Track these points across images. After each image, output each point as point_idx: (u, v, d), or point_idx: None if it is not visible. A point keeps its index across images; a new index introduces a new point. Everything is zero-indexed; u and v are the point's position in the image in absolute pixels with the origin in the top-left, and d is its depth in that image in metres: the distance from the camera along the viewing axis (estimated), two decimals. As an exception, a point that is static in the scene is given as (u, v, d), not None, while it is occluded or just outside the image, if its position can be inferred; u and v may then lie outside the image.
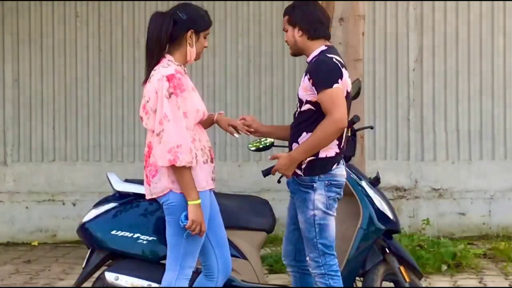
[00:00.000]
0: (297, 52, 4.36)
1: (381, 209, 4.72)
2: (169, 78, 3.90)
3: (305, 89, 4.22)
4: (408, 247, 6.57)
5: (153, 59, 3.99)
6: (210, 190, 4.09)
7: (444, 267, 6.60)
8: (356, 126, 4.72)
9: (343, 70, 4.23)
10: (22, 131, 8.34)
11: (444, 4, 8.11)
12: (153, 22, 3.98)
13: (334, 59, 4.22)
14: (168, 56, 4.01)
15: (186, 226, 3.94)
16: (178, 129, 3.88)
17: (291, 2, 4.45)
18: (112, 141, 8.29)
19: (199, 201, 3.93)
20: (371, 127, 5.20)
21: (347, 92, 4.24)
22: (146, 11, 8.27)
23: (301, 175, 4.23)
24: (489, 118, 8.07)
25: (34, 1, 8.33)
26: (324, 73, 4.16)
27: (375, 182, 4.84)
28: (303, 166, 4.22)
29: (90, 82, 8.32)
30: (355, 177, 4.73)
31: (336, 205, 4.29)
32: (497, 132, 8.07)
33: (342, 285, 4.30)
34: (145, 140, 4.14)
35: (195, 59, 4.10)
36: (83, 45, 8.32)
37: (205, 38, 4.08)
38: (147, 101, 3.98)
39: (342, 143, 4.30)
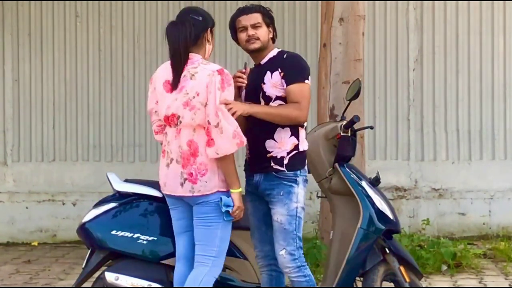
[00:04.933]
0: (262, 48, 4.42)
1: (381, 209, 4.72)
2: (220, 72, 4.10)
3: (274, 86, 4.34)
4: (408, 247, 6.58)
5: (180, 63, 4.15)
6: None
7: (444, 267, 6.60)
8: (356, 126, 4.73)
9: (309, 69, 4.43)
10: (22, 131, 8.35)
11: (444, 4, 8.11)
12: (173, 31, 4.17)
13: (303, 58, 4.44)
14: (195, 56, 4.18)
15: (231, 213, 4.12)
16: (231, 117, 4.10)
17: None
18: (112, 141, 8.29)
19: (241, 189, 4.17)
20: (371, 127, 5.20)
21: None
22: (146, 11, 8.29)
23: (284, 170, 4.33)
24: (489, 118, 8.07)
25: (34, 1, 8.33)
26: (298, 68, 4.33)
27: (375, 182, 4.84)
28: (285, 162, 4.32)
29: (90, 82, 8.32)
30: (355, 177, 4.73)
31: None
32: (497, 132, 8.07)
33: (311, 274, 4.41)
34: (163, 140, 4.24)
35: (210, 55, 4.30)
36: (83, 45, 8.32)
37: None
38: (194, 97, 4.08)
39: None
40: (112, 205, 4.65)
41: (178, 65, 4.15)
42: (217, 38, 8.13)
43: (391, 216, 4.76)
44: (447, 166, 8.07)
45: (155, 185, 4.69)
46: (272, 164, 4.34)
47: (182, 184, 4.14)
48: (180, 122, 4.13)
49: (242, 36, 4.41)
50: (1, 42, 8.33)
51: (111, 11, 8.31)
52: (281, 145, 4.34)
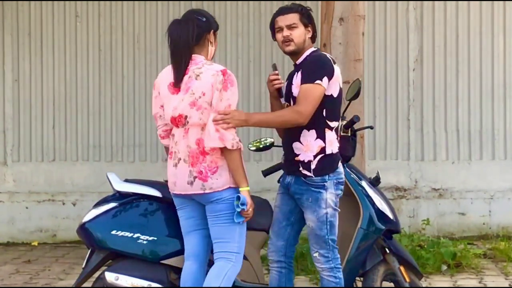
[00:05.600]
0: (297, 50, 4.39)
1: (381, 209, 4.73)
2: (223, 73, 4.12)
3: (298, 86, 4.30)
4: (408, 247, 6.59)
5: (182, 62, 4.17)
6: None
7: (444, 267, 6.60)
8: (356, 126, 4.73)
9: (335, 66, 4.32)
10: (22, 131, 8.35)
11: (444, 4, 8.11)
12: (176, 29, 4.20)
13: (327, 55, 4.36)
14: (198, 56, 4.20)
15: (244, 212, 4.13)
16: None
17: (290, 2, 4.47)
18: (112, 141, 8.29)
19: (249, 187, 4.18)
20: (371, 127, 5.20)
21: (339, 87, 4.35)
22: (146, 11, 8.29)
23: (312, 176, 4.30)
24: (489, 118, 8.08)
25: (34, 1, 8.33)
26: (312, 69, 4.27)
27: (375, 182, 4.85)
28: (312, 167, 4.29)
29: (90, 82, 8.32)
30: (355, 177, 4.74)
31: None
32: (497, 132, 8.07)
33: (342, 278, 4.42)
34: (175, 139, 4.23)
35: (212, 57, 4.32)
36: (83, 45, 8.32)
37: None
38: (200, 97, 4.11)
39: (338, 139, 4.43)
40: (112, 205, 4.65)
41: (179, 63, 4.16)
42: (217, 38, 8.19)
43: (391, 216, 4.77)
44: (447, 166, 8.07)
45: (155, 185, 4.71)
46: (301, 168, 4.32)
47: (191, 183, 4.15)
48: (188, 122, 4.15)
49: (279, 36, 4.40)
50: (1, 42, 8.33)
51: (111, 11, 8.31)
52: (307, 148, 4.31)
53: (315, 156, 4.29)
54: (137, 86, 8.27)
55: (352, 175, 4.72)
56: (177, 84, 4.16)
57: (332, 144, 4.33)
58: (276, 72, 4.37)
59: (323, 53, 4.39)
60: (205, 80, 4.11)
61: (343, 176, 4.40)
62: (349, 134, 4.69)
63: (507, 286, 6.20)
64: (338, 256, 4.41)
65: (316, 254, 4.39)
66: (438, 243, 6.82)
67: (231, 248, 4.20)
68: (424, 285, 5.51)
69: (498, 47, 8.09)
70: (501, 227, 7.91)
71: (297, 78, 4.31)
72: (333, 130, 4.35)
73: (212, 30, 4.27)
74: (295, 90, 4.32)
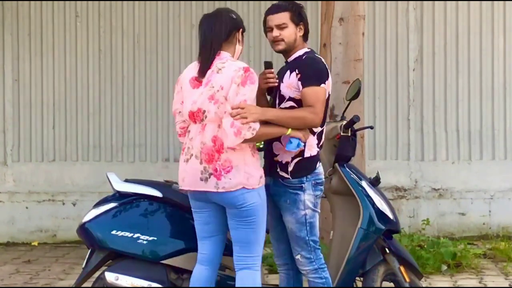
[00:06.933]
0: (287, 49, 4.37)
1: (381, 209, 4.72)
2: (246, 70, 4.08)
3: (290, 86, 4.27)
4: (408, 247, 6.58)
5: (210, 54, 4.13)
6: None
7: (444, 267, 6.60)
8: (356, 126, 4.73)
9: (328, 72, 4.32)
10: (22, 131, 8.34)
11: (444, 4, 8.11)
12: (208, 23, 4.17)
13: (323, 61, 4.34)
14: (224, 53, 4.17)
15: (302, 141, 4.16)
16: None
17: (290, 2, 4.45)
18: (112, 141, 8.29)
19: (290, 130, 4.16)
20: (371, 127, 5.20)
21: (328, 94, 4.31)
22: (146, 11, 8.29)
23: (289, 178, 4.28)
24: (489, 118, 8.07)
25: (34, 1, 8.33)
26: (314, 71, 4.24)
27: (375, 182, 4.84)
28: (289, 169, 4.27)
29: (90, 82, 8.32)
30: (355, 177, 4.73)
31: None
32: (497, 132, 8.07)
33: (329, 275, 4.40)
34: (190, 136, 4.17)
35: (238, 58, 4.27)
36: (83, 45, 8.32)
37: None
38: (218, 91, 4.06)
39: (321, 143, 4.37)
40: (112, 205, 4.65)
41: (207, 56, 4.13)
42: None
43: (391, 216, 4.77)
44: (447, 166, 8.07)
45: (155, 185, 4.71)
46: (278, 169, 4.30)
47: (206, 180, 4.08)
48: (206, 117, 4.09)
49: (269, 36, 4.39)
50: (1, 42, 8.33)
51: (111, 11, 8.31)
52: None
53: (293, 159, 4.28)
54: (137, 86, 8.27)
55: (352, 175, 4.72)
56: (200, 77, 4.12)
57: (311, 149, 4.30)
58: (272, 70, 4.33)
59: (318, 57, 4.36)
60: (226, 74, 4.06)
61: (322, 176, 4.36)
62: (349, 134, 4.68)
63: (507, 286, 6.20)
64: (321, 256, 4.39)
65: (298, 257, 4.36)
66: (438, 243, 6.81)
67: (255, 251, 4.16)
68: (424, 285, 5.51)
69: (498, 47, 8.09)
70: (501, 227, 7.91)
71: (290, 78, 4.27)
72: (315, 135, 4.32)
73: (241, 29, 4.24)
74: (284, 89, 4.29)
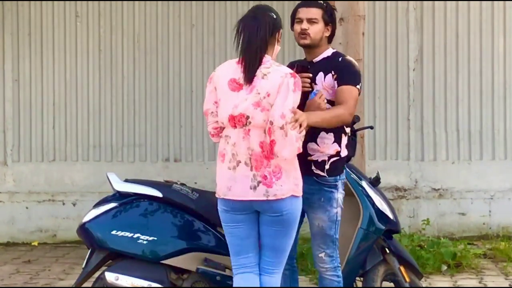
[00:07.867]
0: (311, 45, 4.36)
1: (381, 209, 4.73)
2: (293, 75, 3.99)
3: (327, 88, 4.31)
4: (408, 247, 6.58)
5: (256, 58, 3.99)
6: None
7: (444, 267, 6.60)
8: (356, 126, 4.73)
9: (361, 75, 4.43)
10: (22, 131, 8.34)
11: (444, 4, 8.11)
12: (251, 26, 4.05)
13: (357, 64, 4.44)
14: (267, 56, 4.05)
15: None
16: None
17: (291, 2, 4.47)
18: (112, 141, 8.29)
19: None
20: (371, 127, 5.21)
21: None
22: (146, 11, 8.28)
23: (325, 176, 4.33)
24: (489, 118, 8.07)
25: (34, 1, 8.33)
26: (353, 72, 4.31)
27: (375, 182, 4.85)
28: (326, 167, 4.32)
29: (90, 82, 8.31)
30: (355, 177, 4.74)
31: None
32: (497, 132, 8.07)
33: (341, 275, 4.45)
34: (235, 141, 4.01)
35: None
36: (83, 45, 8.32)
37: None
38: (264, 97, 3.93)
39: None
40: (112, 205, 4.65)
41: (253, 59, 3.97)
42: (217, 38, 8.21)
43: (391, 216, 4.77)
44: (447, 166, 8.06)
45: (155, 185, 4.71)
46: (313, 168, 4.32)
47: (255, 188, 3.94)
48: (250, 122, 3.94)
49: (297, 27, 4.37)
50: (1, 42, 8.33)
51: (111, 11, 8.30)
52: (323, 149, 4.32)
53: (329, 158, 4.33)
54: (137, 86, 8.26)
55: (352, 175, 4.73)
56: (246, 82, 3.96)
57: (346, 148, 4.40)
58: (310, 75, 4.30)
59: (353, 60, 4.42)
60: (272, 81, 3.93)
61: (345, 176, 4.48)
62: (349, 134, 4.68)
63: (507, 286, 6.20)
64: (339, 256, 4.43)
65: (322, 255, 4.37)
66: (438, 243, 6.82)
67: (283, 257, 4.13)
68: (424, 285, 5.51)
69: (498, 47, 8.08)
70: (501, 227, 7.90)
71: (326, 80, 4.29)
72: (346, 135, 4.40)
73: (281, 29, 4.13)
74: (323, 92, 4.27)
